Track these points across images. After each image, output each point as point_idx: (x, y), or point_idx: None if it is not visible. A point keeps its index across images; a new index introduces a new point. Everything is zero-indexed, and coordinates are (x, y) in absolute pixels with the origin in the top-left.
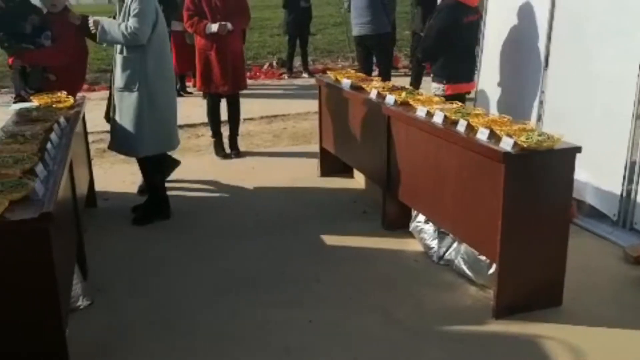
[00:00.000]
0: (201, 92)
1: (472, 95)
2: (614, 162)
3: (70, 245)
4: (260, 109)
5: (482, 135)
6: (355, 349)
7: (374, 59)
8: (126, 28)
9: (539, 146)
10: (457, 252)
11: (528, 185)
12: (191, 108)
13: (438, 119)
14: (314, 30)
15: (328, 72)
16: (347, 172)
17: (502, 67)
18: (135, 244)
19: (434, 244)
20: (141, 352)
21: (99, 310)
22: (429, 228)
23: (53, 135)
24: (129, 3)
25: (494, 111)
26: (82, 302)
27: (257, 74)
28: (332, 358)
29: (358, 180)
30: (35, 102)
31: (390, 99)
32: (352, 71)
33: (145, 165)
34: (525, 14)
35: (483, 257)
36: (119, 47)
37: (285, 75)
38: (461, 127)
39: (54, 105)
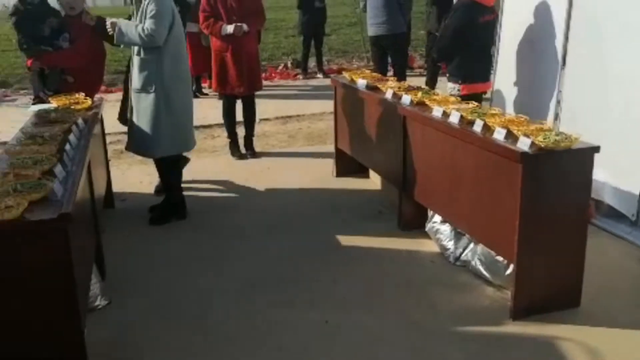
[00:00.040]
0: (217, 94)
1: (488, 95)
2: (633, 161)
3: (88, 245)
4: (276, 109)
5: (499, 135)
6: (373, 351)
7: (389, 59)
8: (143, 30)
9: (556, 146)
10: (473, 252)
11: (546, 185)
12: (207, 109)
13: (454, 119)
14: (329, 30)
15: (343, 72)
16: (362, 172)
17: (518, 66)
18: (153, 244)
19: (450, 244)
20: (158, 352)
21: (117, 310)
22: (445, 228)
23: (71, 137)
24: (145, 5)
25: (510, 111)
26: (100, 302)
27: (272, 74)
28: (349, 359)
29: (374, 181)
30: (53, 104)
31: (406, 99)
32: (368, 71)
33: (162, 165)
34: (542, 13)
35: (500, 258)
36: (136, 48)
37: (300, 76)
38: (478, 127)
39: (72, 107)
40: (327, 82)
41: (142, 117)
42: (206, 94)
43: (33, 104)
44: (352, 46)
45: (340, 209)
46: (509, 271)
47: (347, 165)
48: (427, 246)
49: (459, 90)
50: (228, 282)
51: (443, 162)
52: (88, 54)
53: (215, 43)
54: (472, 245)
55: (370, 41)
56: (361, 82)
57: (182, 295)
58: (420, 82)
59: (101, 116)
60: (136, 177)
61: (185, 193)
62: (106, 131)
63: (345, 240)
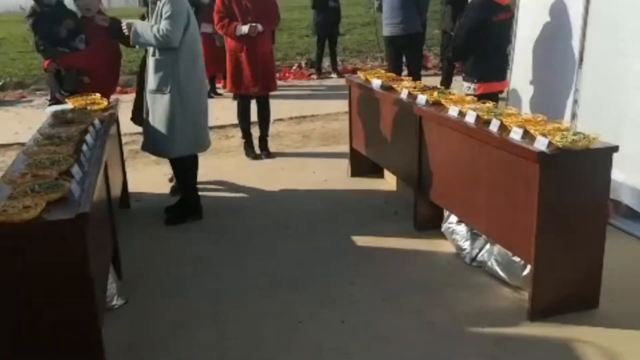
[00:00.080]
0: (231, 94)
1: (503, 94)
2: None
3: (105, 245)
4: (290, 109)
5: (516, 135)
6: (390, 352)
7: (404, 59)
8: (158, 31)
9: (574, 146)
10: (490, 253)
11: (563, 185)
12: (221, 109)
13: (470, 118)
14: (343, 30)
15: (358, 72)
16: (377, 172)
17: (534, 65)
18: (168, 244)
19: (466, 245)
20: (173, 351)
21: (133, 309)
22: (461, 229)
23: (88, 137)
24: (161, 6)
25: (526, 110)
26: (116, 302)
27: (286, 74)
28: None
29: (389, 181)
30: (70, 105)
31: (421, 98)
32: (382, 71)
33: (178, 166)
34: (559, 11)
35: (517, 259)
36: (151, 49)
37: (314, 76)
38: (494, 126)
39: (88, 108)
40: (341, 82)
41: (158, 117)
42: (220, 95)
43: (50, 105)
44: (366, 46)
45: (355, 210)
46: (526, 272)
47: (362, 165)
48: (443, 247)
49: (474, 89)
50: (244, 282)
51: (459, 162)
52: (104, 55)
53: (230, 43)
54: (488, 245)
55: (385, 41)
56: (376, 82)
57: (198, 295)
58: (435, 81)
59: (117, 116)
60: (152, 177)
61: (200, 193)
62: (122, 131)
63: (361, 240)
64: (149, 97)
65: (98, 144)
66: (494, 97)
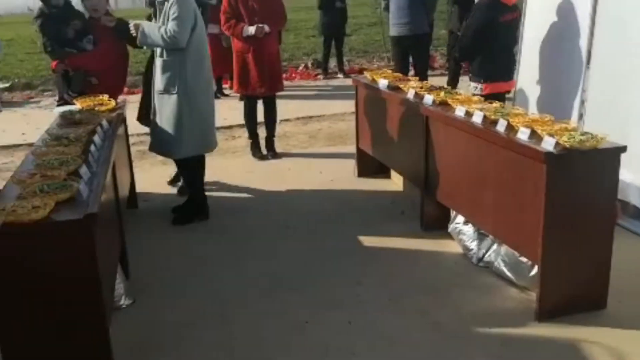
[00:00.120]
0: (237, 94)
1: (510, 94)
2: None
3: (113, 245)
4: (296, 110)
5: (523, 135)
6: (396, 352)
7: (411, 59)
8: (166, 32)
9: (581, 146)
10: (497, 253)
11: (571, 185)
12: (228, 110)
13: (477, 118)
14: (350, 30)
15: (364, 72)
16: (384, 172)
17: (541, 65)
18: (176, 244)
19: (473, 245)
20: (181, 351)
21: (140, 309)
22: (468, 229)
23: (96, 138)
24: (168, 7)
25: (533, 110)
26: (124, 301)
27: (293, 75)
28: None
29: (395, 181)
30: (78, 105)
31: (428, 98)
32: (389, 71)
33: (185, 166)
34: (566, 11)
35: (524, 259)
36: (158, 50)
37: (321, 76)
38: (501, 127)
39: (96, 108)
40: (348, 82)
41: (165, 118)
42: (227, 95)
43: (58, 105)
44: (372, 46)
45: (362, 210)
46: (533, 272)
47: (368, 165)
48: (449, 247)
49: (481, 89)
50: (251, 282)
51: (466, 163)
52: (111, 55)
53: (236, 44)
54: (495, 246)
55: (392, 41)
56: (383, 82)
57: (205, 295)
58: (442, 82)
59: (124, 117)
60: (159, 177)
61: (207, 193)
62: (129, 132)
63: (368, 240)
64: (156, 98)
65: (106, 144)
66: (500, 97)
